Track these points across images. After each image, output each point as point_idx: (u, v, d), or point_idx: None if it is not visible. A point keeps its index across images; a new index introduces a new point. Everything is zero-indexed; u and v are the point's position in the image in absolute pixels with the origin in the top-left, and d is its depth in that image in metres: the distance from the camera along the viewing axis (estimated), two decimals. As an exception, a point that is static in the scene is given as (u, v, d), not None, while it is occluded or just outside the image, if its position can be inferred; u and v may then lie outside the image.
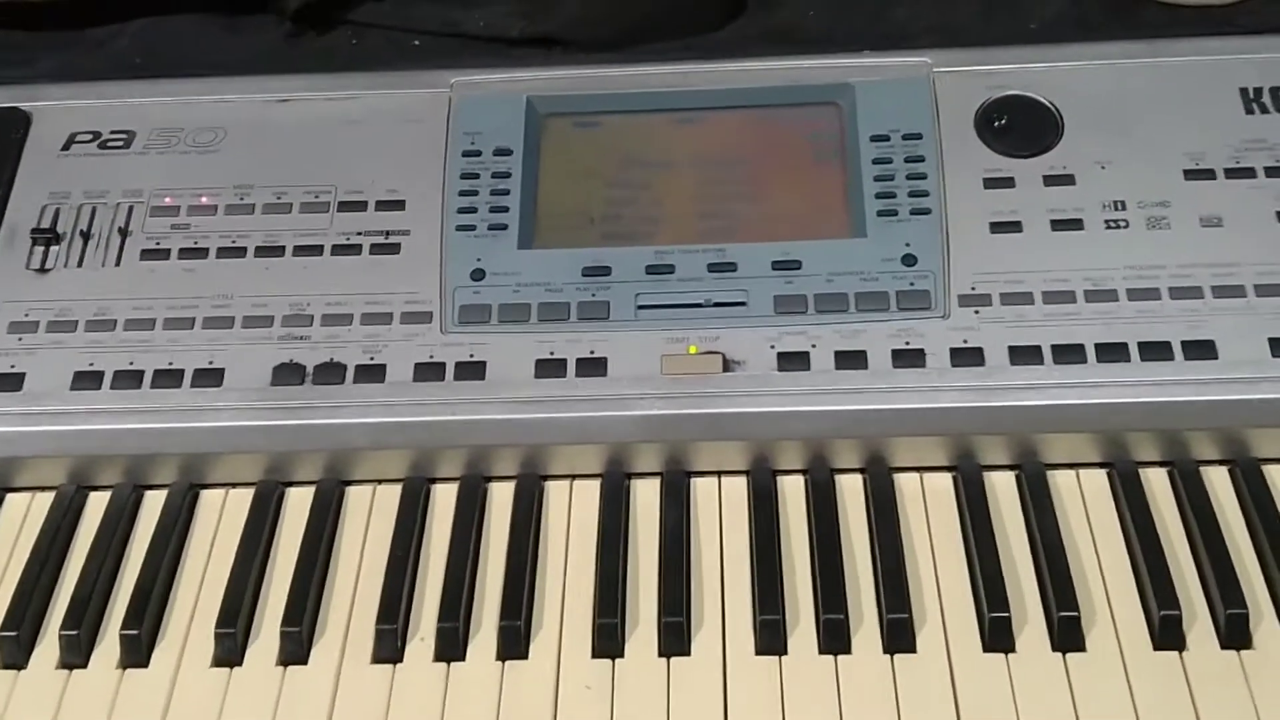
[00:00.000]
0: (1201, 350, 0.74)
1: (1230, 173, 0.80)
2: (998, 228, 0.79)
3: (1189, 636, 0.67)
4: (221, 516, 0.77)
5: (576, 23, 0.96)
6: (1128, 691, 0.65)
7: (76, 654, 0.70)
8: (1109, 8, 0.93)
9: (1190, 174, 0.80)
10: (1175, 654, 0.66)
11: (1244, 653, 0.66)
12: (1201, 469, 0.74)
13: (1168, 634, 0.67)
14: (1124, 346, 0.74)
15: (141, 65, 0.98)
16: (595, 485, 0.77)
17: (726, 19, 0.97)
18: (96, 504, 0.78)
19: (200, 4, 1.01)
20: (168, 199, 0.84)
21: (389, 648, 0.69)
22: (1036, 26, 0.94)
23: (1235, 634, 0.66)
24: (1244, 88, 0.83)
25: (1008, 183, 0.81)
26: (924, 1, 0.95)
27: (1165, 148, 0.81)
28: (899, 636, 0.67)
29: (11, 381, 0.78)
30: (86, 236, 0.83)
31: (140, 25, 1.01)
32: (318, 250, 0.82)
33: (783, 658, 0.68)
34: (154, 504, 0.77)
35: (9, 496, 0.78)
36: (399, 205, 0.83)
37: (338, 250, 0.81)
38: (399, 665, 0.69)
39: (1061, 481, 0.75)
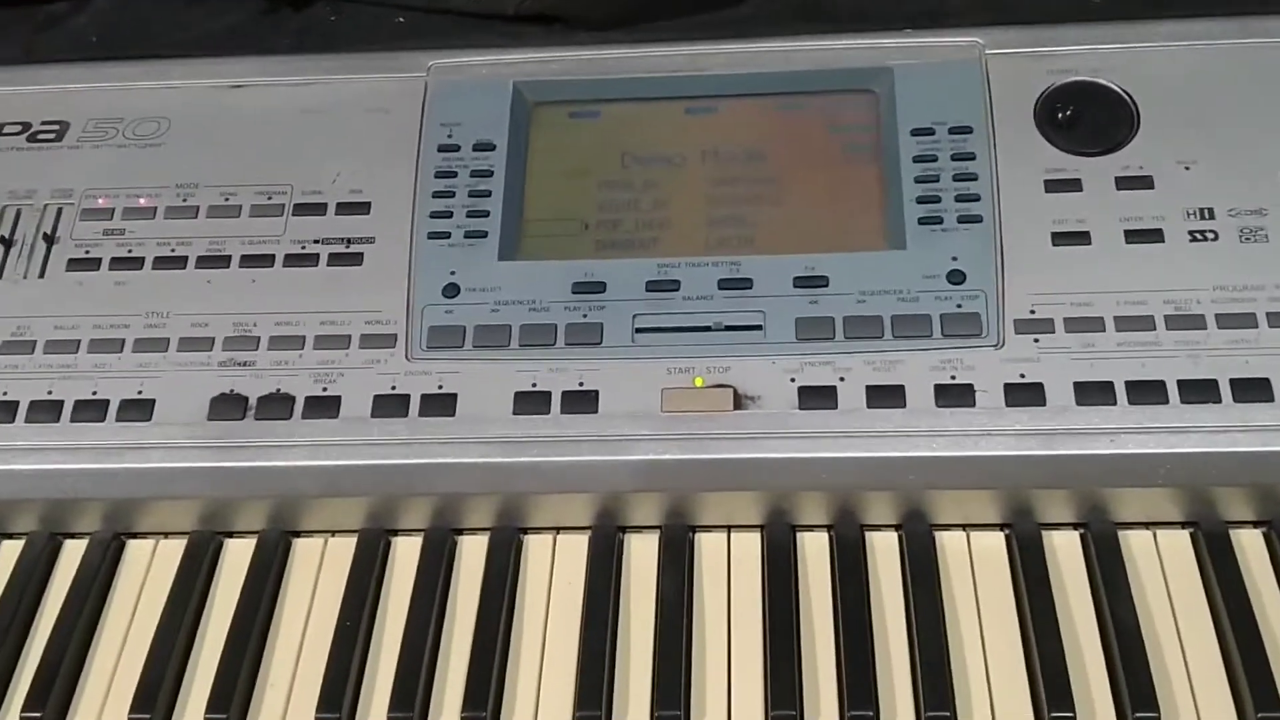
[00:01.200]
0: (1308, 388, 0.62)
1: (1341, 175, 0.68)
2: (1061, 239, 0.69)
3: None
4: (149, 571, 0.69)
5: (575, -1, 0.87)
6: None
7: (-32, 740, 0.60)
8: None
9: None
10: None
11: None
12: (1305, 530, 0.63)
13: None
14: (1213, 384, 0.63)
15: (97, 44, 0.90)
16: (583, 540, 0.67)
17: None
18: (8, 554, 0.68)
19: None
20: (101, 200, 0.75)
21: (335, 746, 0.59)
22: (1105, 1, 0.82)
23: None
24: (1356, 74, 0.71)
25: (1074, 185, 0.70)
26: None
27: (1261, 144, 0.70)
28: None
29: None
30: (7, 244, 0.75)
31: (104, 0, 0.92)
32: (268, 260, 0.72)
33: (802, 749, 0.57)
34: (72, 556, 0.69)
35: None
36: (363, 208, 0.74)
37: (291, 261, 0.72)
38: (350, 762, 0.59)
39: (1135, 543, 0.64)
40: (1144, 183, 0.69)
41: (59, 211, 0.75)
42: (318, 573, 0.67)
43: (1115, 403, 0.63)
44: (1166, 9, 0.79)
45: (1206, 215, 0.68)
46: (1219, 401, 0.63)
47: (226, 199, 0.74)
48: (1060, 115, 0.72)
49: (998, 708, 0.58)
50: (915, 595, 0.62)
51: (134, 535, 0.70)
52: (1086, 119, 0.72)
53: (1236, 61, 0.73)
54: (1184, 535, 0.64)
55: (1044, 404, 0.64)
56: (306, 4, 0.94)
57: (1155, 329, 0.65)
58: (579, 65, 0.78)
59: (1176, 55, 0.73)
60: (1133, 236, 0.68)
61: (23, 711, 0.61)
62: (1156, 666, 0.58)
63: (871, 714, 0.57)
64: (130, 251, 0.73)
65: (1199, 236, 0.68)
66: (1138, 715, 0.56)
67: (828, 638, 0.62)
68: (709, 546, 0.66)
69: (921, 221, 0.70)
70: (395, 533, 0.68)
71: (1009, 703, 0.58)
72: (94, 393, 0.69)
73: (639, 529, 0.67)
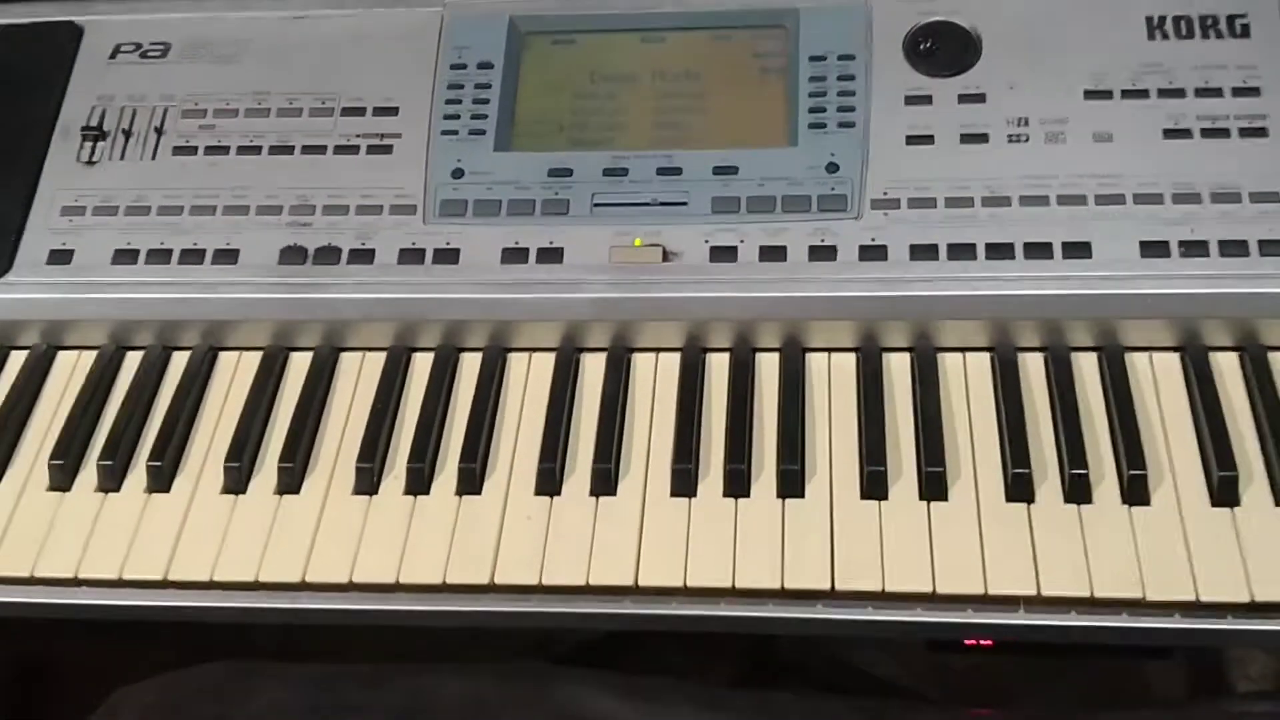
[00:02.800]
0: (1079, 250, 0.84)
1: (1126, 93, 0.89)
2: (913, 140, 0.89)
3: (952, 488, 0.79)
4: (235, 374, 0.90)
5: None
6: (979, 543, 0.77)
7: (111, 480, 0.84)
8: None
9: (1090, 94, 0.89)
10: (1023, 507, 0.78)
11: (1083, 506, 0.78)
12: (1073, 354, 0.85)
13: (1019, 488, 0.78)
14: (1010, 246, 0.85)
15: None
16: (550, 357, 0.89)
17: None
18: (131, 361, 0.92)
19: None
20: (197, 103, 0.97)
21: (366, 482, 0.83)
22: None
23: (1078, 491, 0.78)
24: (1149, 15, 0.91)
25: (926, 100, 0.90)
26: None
27: (1070, 70, 0.90)
28: (791, 484, 0.80)
29: (63, 256, 0.91)
30: (128, 134, 0.96)
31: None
32: (322, 149, 0.93)
33: (693, 500, 0.80)
34: (179, 363, 0.91)
35: (60, 354, 0.92)
36: (393, 111, 0.94)
37: (339, 149, 0.93)
38: (374, 497, 0.83)
39: (949, 363, 0.86)
40: (979, 99, 0.89)
41: (165, 111, 0.96)
42: (357, 378, 0.89)
43: (938, 258, 0.85)
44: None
45: (1022, 123, 0.89)
46: (1013, 258, 0.84)
47: (290, 103, 0.95)
48: (922, 46, 0.93)
49: (836, 466, 0.82)
50: (785, 400, 0.84)
51: (222, 349, 0.91)
52: (942, 50, 0.92)
53: (1061, 4, 0.92)
54: (985, 357, 0.85)
55: (886, 259, 0.85)
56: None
57: (973, 206, 0.86)
58: (561, 3, 0.99)
59: (1015, 1, 0.94)
60: (965, 139, 0.88)
61: (148, 461, 0.85)
62: (949, 440, 0.82)
63: (743, 467, 0.81)
64: (219, 141, 0.94)
65: (1014, 139, 0.89)
66: (930, 468, 0.80)
67: (721, 423, 0.84)
68: (642, 364, 0.88)
69: (810, 126, 0.90)
70: (414, 349, 0.90)
71: (844, 465, 0.82)
72: (194, 244, 0.90)
73: (592, 350, 0.89)
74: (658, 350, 0.89)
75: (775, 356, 0.87)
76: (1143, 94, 0.89)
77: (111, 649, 1.03)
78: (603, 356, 0.89)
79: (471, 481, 0.82)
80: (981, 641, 0.80)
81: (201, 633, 0.84)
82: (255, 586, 0.80)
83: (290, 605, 0.80)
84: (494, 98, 0.94)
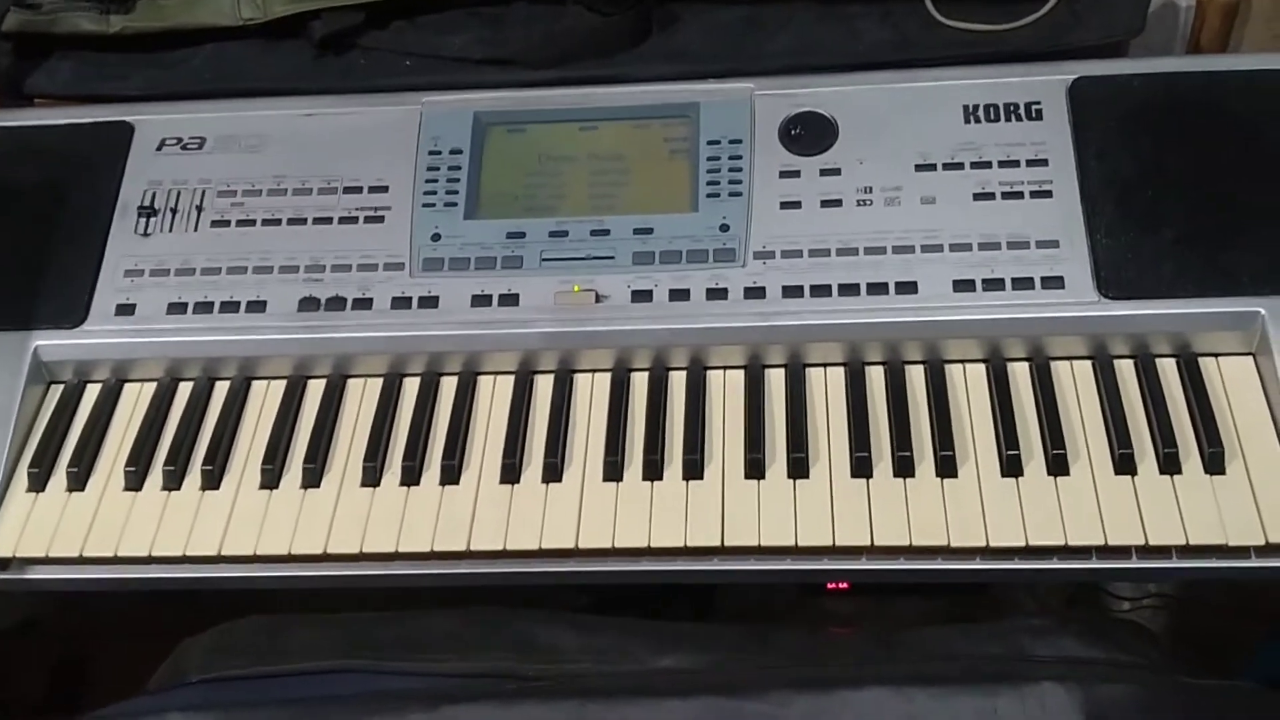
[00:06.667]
0: (908, 288, 1.10)
1: (947, 165, 1.14)
2: (785, 205, 1.11)
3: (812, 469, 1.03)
4: (265, 399, 1.13)
5: (522, 48, 1.31)
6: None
7: (174, 481, 1.09)
8: (907, 39, 1.26)
9: (919, 167, 1.12)
10: (864, 482, 1.04)
11: (908, 480, 1.04)
12: (906, 367, 1.10)
13: (860, 467, 1.04)
14: (857, 286, 1.10)
15: (210, 80, 1.28)
16: (511, 380, 1.12)
17: (635, 42, 1.26)
18: (183, 391, 1.13)
19: (250, 32, 1.29)
20: (229, 185, 1.18)
21: (371, 476, 1.08)
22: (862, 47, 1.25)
23: (905, 468, 1.04)
24: (965, 104, 1.17)
25: (796, 174, 1.12)
26: (780, 37, 1.27)
27: (905, 148, 1.12)
28: (692, 469, 1.05)
29: (127, 309, 1.12)
30: (174, 211, 1.15)
31: (208, 49, 1.30)
32: (330, 220, 1.17)
33: (619, 484, 1.06)
34: (220, 391, 1.12)
35: (125, 386, 1.14)
36: (385, 189, 1.15)
37: (342, 220, 1.16)
38: (377, 489, 1.08)
39: (813, 376, 1.11)
40: (836, 172, 1.13)
41: (204, 192, 1.15)
42: (361, 399, 1.12)
43: (804, 296, 1.10)
44: (860, 65, 1.22)
45: (868, 191, 1.14)
46: (859, 295, 1.09)
47: (303, 184, 1.17)
48: (792, 131, 1.18)
49: (730, 453, 1.07)
50: (688, 403, 1.08)
51: (255, 378, 1.14)
52: (807, 134, 1.16)
53: (900, 97, 1.16)
54: (840, 370, 1.09)
55: (765, 298, 1.10)
56: (345, 51, 1.28)
57: (830, 255, 1.11)
58: (516, 101, 1.21)
59: (865, 93, 1.17)
60: (825, 204, 1.12)
61: (202, 465, 1.09)
62: (813, 434, 1.08)
63: (657, 457, 1.07)
64: (248, 216, 1.15)
65: (862, 203, 1.14)
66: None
67: (641, 430, 1.08)
68: (581, 382, 1.11)
69: (708, 195, 1.12)
70: (404, 376, 1.12)
71: (733, 450, 1.07)
72: (231, 297, 1.11)
73: (543, 372, 1.10)
74: (594, 371, 1.11)
75: (682, 374, 1.12)
76: (959, 166, 1.14)
77: (145, 648, 1.21)
78: (551, 377, 1.10)
79: (451, 474, 1.07)
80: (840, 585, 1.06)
81: (236, 605, 1.09)
82: (288, 559, 1.05)
83: (315, 573, 1.05)
84: (463, 176, 1.15)
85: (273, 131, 1.21)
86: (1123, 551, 0.99)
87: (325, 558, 1.04)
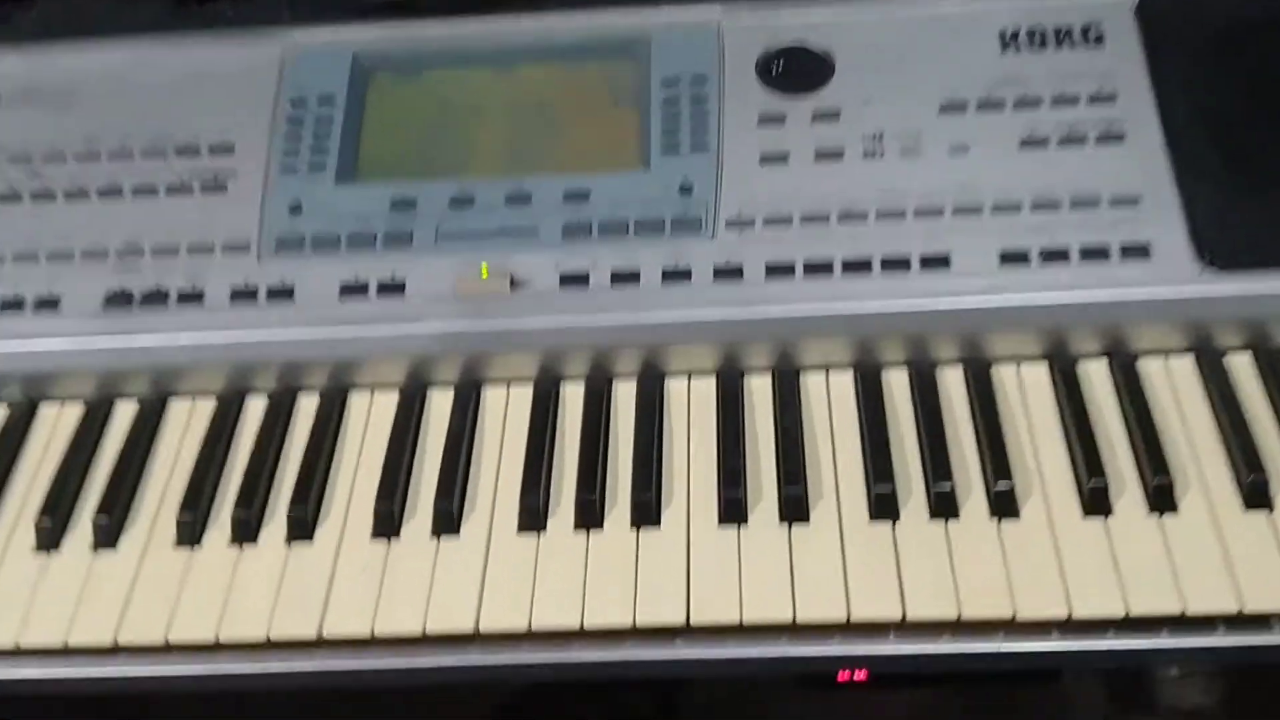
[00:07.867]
0: (938, 263, 0.81)
1: (982, 105, 0.87)
2: (767, 160, 0.87)
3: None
4: (55, 427, 0.85)
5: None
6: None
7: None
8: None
9: (945, 108, 0.87)
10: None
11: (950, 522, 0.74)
12: (939, 369, 0.82)
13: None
14: (868, 262, 0.82)
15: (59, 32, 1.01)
16: (394, 395, 0.84)
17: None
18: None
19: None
20: (23, 149, 0.92)
21: (188, 533, 0.77)
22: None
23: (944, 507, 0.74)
24: (1003, 28, 0.90)
25: (780, 120, 0.88)
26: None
27: (922, 84, 0.88)
28: (645, 514, 0.75)
29: None
30: None
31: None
32: (153, 191, 0.89)
33: (541, 535, 0.75)
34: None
35: None
36: (229, 150, 0.90)
37: (171, 191, 0.89)
38: (197, 550, 0.77)
39: (811, 383, 0.82)
40: (833, 116, 0.87)
41: None
42: (185, 424, 0.84)
43: (794, 276, 0.82)
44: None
45: (877, 138, 0.87)
46: (869, 272, 0.82)
47: (122, 146, 0.90)
48: (775, 68, 0.91)
49: (695, 490, 0.77)
50: (640, 428, 0.80)
51: (45, 399, 0.86)
52: (794, 69, 0.90)
53: (918, 21, 0.91)
54: (848, 375, 0.82)
55: (741, 279, 0.82)
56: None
57: (829, 222, 0.84)
58: (406, 39, 0.94)
59: (868, 19, 0.91)
60: (821, 157, 0.86)
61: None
62: (811, 461, 0.77)
63: (594, 498, 0.76)
64: (45, 188, 0.89)
65: (870, 154, 0.86)
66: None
67: (574, 453, 0.80)
68: (493, 397, 0.84)
69: (664, 149, 0.88)
70: (248, 392, 0.85)
71: (701, 489, 0.77)
72: (15, 292, 0.85)
73: (440, 384, 0.85)
74: (508, 382, 0.85)
75: (632, 384, 0.83)
76: (998, 105, 0.87)
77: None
78: (450, 392, 0.85)
79: (302, 528, 0.77)
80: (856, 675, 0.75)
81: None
82: (63, 653, 0.73)
83: (97, 673, 0.73)
84: (335, 132, 0.91)
85: (86, 82, 0.97)
86: (1260, 621, 0.69)
87: (115, 650, 0.73)
